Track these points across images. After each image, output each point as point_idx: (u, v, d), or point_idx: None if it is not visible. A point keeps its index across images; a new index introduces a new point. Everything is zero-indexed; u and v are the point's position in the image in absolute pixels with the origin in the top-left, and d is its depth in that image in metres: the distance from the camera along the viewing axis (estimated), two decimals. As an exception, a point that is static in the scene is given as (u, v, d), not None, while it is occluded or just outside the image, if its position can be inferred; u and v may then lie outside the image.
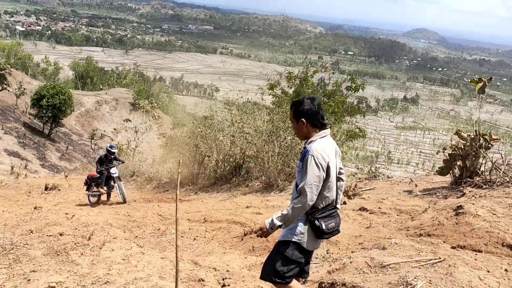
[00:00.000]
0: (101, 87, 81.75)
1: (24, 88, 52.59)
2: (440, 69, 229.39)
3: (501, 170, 7.33)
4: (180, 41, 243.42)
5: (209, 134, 14.32)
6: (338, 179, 3.36)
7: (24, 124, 47.33)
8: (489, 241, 4.82)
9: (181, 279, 5.08)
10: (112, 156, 12.37)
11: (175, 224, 4.36)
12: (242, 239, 6.93)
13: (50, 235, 7.39)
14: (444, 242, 4.83)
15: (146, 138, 37.88)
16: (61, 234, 7.40)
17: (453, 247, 4.73)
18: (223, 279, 5.15)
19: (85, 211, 10.55)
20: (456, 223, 5.37)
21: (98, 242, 6.97)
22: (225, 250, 6.60)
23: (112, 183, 12.26)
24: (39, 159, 39.06)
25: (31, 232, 7.61)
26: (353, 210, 7.58)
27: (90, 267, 5.86)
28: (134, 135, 40.02)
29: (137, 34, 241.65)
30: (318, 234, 3.21)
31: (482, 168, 7.75)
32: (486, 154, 7.68)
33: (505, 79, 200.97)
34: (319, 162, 3.08)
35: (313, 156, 3.09)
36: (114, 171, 12.14)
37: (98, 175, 12.30)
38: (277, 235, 3.65)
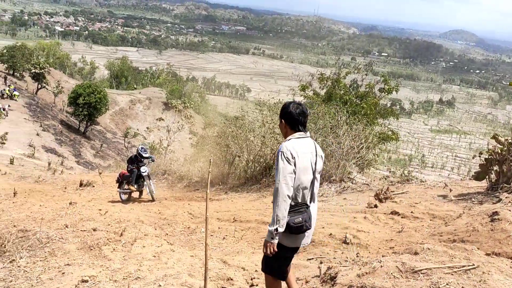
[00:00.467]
0: (135, 86, 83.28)
1: (61, 87, 54.22)
2: (477, 71, 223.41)
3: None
4: (213, 42, 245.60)
5: (240, 134, 14.37)
6: (316, 179, 3.51)
7: (61, 121, 48.72)
8: (527, 249, 4.66)
9: (210, 277, 5.12)
10: (143, 159, 12.58)
11: (205, 222, 4.40)
12: (271, 240, 6.92)
13: (84, 230, 7.57)
14: (478, 248, 4.70)
15: (178, 137, 38.44)
16: (94, 230, 7.58)
17: (487, 254, 4.59)
18: (251, 279, 5.16)
19: (118, 208, 10.75)
20: (491, 230, 5.21)
21: (130, 238, 7.10)
22: (254, 250, 6.61)
23: (142, 181, 12.48)
24: (75, 156, 40.12)
25: (66, 226, 7.83)
26: (384, 213, 7.46)
27: (122, 263, 5.98)
28: (166, 134, 40.59)
29: (171, 34, 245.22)
30: (287, 229, 3.37)
31: (520, 174, 7.50)
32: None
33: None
34: (287, 157, 3.29)
35: (282, 152, 3.33)
36: (144, 169, 12.36)
37: (129, 173, 12.54)
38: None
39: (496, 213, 5.47)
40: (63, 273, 5.66)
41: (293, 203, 3.38)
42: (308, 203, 3.47)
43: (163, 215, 9.61)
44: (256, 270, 5.44)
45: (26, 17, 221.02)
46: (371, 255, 5.61)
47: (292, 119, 3.45)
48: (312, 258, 5.84)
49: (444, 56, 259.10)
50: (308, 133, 3.51)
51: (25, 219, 8.91)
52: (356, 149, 10.90)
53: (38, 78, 52.37)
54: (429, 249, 4.54)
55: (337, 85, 18.79)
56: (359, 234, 6.49)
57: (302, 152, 3.38)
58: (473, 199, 7.66)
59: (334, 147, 10.75)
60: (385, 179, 10.93)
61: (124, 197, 12.76)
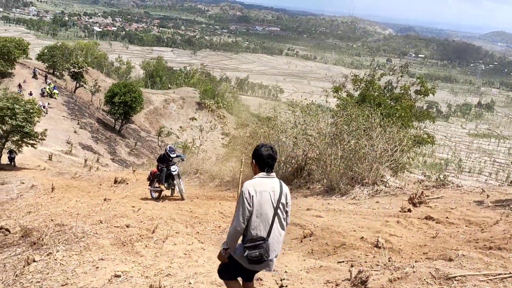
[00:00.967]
0: (169, 86, 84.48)
1: (98, 86, 55.58)
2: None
3: None
4: (247, 42, 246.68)
5: (271, 135, 14.36)
6: (277, 214, 3.80)
7: (97, 119, 49.93)
8: None
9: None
10: (171, 159, 12.72)
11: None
12: (301, 241, 6.89)
13: (118, 226, 7.74)
14: (516, 257, 4.54)
15: (210, 137, 38.76)
16: (127, 226, 7.73)
17: (526, 263, 4.43)
18: (281, 280, 5.15)
19: (150, 205, 10.93)
20: (531, 238, 5.03)
21: (162, 235, 7.21)
22: (284, 251, 6.59)
23: (172, 180, 12.63)
24: (110, 153, 41.04)
25: (100, 222, 8.01)
26: (418, 218, 7.30)
27: (153, 259, 6.08)
28: (199, 134, 40.98)
29: (205, 35, 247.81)
30: (246, 260, 3.74)
31: None
32: None
33: None
34: (245, 195, 3.70)
35: (243, 192, 3.74)
36: (174, 168, 12.50)
37: (159, 172, 12.72)
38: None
39: (536, 221, 5.28)
40: (97, 268, 5.80)
41: (250, 237, 3.73)
42: (265, 236, 3.74)
43: (194, 214, 9.70)
44: (286, 271, 5.42)
45: (67, 18, 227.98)
46: (403, 260, 5.51)
47: (262, 161, 3.84)
48: (343, 261, 5.78)
49: (484, 58, 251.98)
50: (273, 174, 3.86)
51: (62, 214, 9.18)
52: (390, 152, 10.71)
53: (77, 77, 53.90)
54: (464, 255, 4.42)
55: (371, 86, 18.54)
56: (391, 238, 6.38)
57: (260, 190, 3.73)
58: (511, 206, 7.41)
59: (367, 150, 10.60)
60: (420, 183, 10.70)
61: (155, 195, 12.95)
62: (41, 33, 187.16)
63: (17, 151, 22.75)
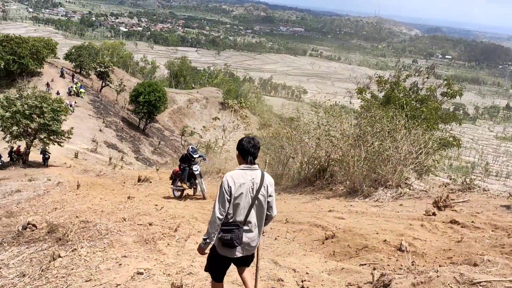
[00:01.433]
0: (193, 86, 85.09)
1: (124, 85, 56.38)
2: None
3: None
4: (271, 43, 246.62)
5: (294, 135, 14.32)
6: (255, 204, 4.01)
7: (122, 118, 50.64)
8: None
9: (260, 277, 5.13)
10: (193, 159, 12.82)
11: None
12: (323, 243, 6.85)
13: (141, 224, 7.83)
14: (545, 264, 4.42)
15: (233, 137, 38.81)
16: (150, 224, 7.81)
17: (555, 271, 4.30)
18: (302, 281, 5.13)
19: (173, 204, 11.02)
20: (561, 245, 4.89)
21: (184, 234, 7.26)
22: (305, 252, 6.56)
23: (194, 179, 12.73)
24: (134, 152, 41.58)
25: (124, 220, 8.12)
26: (443, 222, 7.18)
27: (175, 258, 6.13)
28: (222, 133, 41.14)
29: (229, 35, 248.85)
30: (220, 243, 3.99)
31: None
32: None
33: None
34: (224, 186, 3.91)
35: (222, 182, 3.94)
36: (196, 168, 12.60)
37: (181, 171, 12.83)
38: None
39: None
40: (120, 264, 5.87)
41: (227, 221, 3.96)
42: (240, 224, 3.97)
43: (216, 213, 9.72)
44: (307, 273, 5.40)
45: (94, 18, 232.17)
46: (427, 264, 5.42)
47: (244, 151, 4.03)
48: (365, 264, 5.72)
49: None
50: (255, 165, 4.04)
51: (86, 211, 9.33)
52: (415, 154, 10.55)
53: (103, 76, 54.83)
54: (489, 261, 4.33)
55: (396, 88, 18.29)
56: (415, 242, 6.28)
57: (239, 181, 3.93)
58: (540, 211, 7.22)
59: (391, 152, 10.47)
60: (445, 186, 10.51)
61: (177, 194, 13.07)
62: (69, 33, 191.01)
63: (49, 152, 23.20)
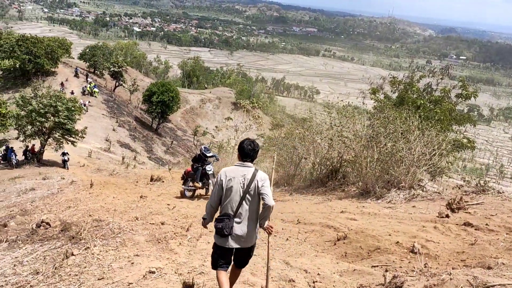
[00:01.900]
0: (206, 86, 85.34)
1: (137, 85, 56.75)
2: None
3: None
4: (283, 43, 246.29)
5: (307, 136, 14.29)
6: (246, 197, 4.37)
7: (135, 118, 50.98)
8: None
9: (272, 277, 5.13)
10: (206, 158, 12.85)
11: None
12: (335, 244, 6.82)
13: (153, 223, 7.88)
14: (561, 268, 4.34)
15: (245, 137, 38.87)
16: (162, 223, 7.86)
17: None
18: (313, 282, 5.11)
19: (185, 203, 11.07)
20: None
21: (196, 234, 7.29)
22: (317, 253, 6.54)
23: (206, 179, 12.76)
24: (147, 151, 41.83)
25: (136, 219, 8.18)
26: (457, 224, 7.10)
27: (187, 257, 6.15)
28: (234, 134, 41.23)
29: (242, 35, 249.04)
30: (215, 232, 4.40)
31: None
32: None
33: None
34: (217, 180, 4.47)
35: (218, 175, 4.48)
36: (209, 168, 12.64)
37: (194, 171, 12.87)
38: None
39: None
40: (132, 263, 5.92)
41: (220, 212, 4.44)
42: (231, 215, 4.37)
43: (228, 213, 9.73)
44: (318, 274, 5.38)
45: (108, 18, 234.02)
46: (440, 267, 5.37)
47: (243, 152, 4.49)
48: (377, 266, 5.68)
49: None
50: (248, 163, 4.47)
51: (99, 210, 9.42)
52: (428, 156, 10.45)
53: (116, 76, 55.24)
54: (504, 264, 4.28)
55: (409, 88, 18.14)
56: (428, 244, 6.22)
57: (231, 176, 4.39)
58: (557, 215, 7.10)
59: (405, 153, 10.39)
60: (459, 188, 10.39)
61: (188, 194, 13.11)
62: (83, 33, 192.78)
63: (68, 154, 23.10)
